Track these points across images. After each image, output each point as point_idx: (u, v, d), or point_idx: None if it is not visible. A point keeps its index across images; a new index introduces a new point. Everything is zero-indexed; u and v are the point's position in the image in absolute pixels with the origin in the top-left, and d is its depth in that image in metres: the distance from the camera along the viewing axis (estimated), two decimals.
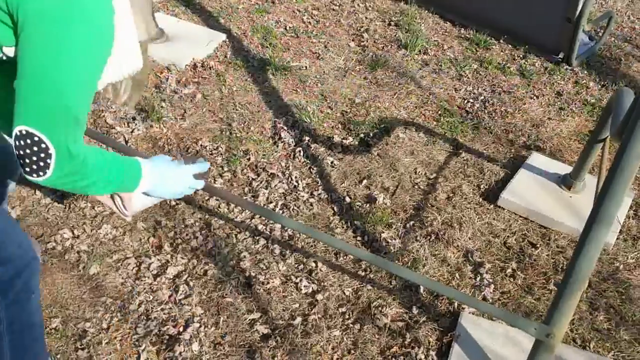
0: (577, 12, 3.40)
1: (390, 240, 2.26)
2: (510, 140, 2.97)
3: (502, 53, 3.73)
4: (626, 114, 1.71)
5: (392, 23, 3.92)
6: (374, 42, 3.69)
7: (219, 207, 2.30)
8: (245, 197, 2.35)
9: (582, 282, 1.51)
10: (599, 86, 3.52)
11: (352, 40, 3.68)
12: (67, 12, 1.04)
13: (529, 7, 3.67)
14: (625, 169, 1.43)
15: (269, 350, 1.78)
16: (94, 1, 1.07)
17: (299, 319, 1.89)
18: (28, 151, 1.08)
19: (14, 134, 1.07)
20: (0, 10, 1.06)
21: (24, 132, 1.06)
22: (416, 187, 2.57)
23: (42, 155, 1.08)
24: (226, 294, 1.94)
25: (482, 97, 3.27)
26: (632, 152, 1.42)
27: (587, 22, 3.68)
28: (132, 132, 2.63)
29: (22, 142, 1.07)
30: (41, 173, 1.10)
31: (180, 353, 1.73)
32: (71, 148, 1.10)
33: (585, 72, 3.66)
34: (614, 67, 3.79)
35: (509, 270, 2.18)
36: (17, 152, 1.08)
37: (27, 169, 1.10)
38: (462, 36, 3.89)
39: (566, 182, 2.56)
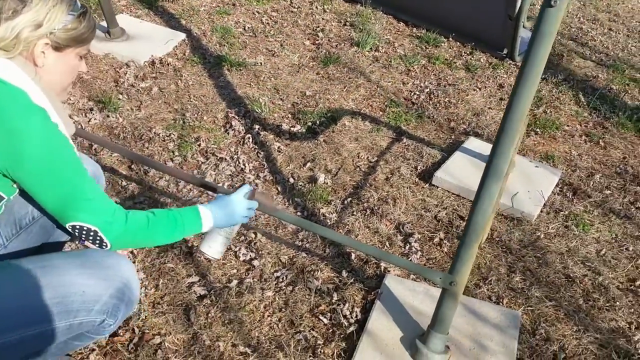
0: (517, 10, 3.61)
1: (327, 215, 2.43)
2: (451, 128, 3.15)
3: (450, 50, 3.94)
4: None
5: (348, 23, 4.12)
6: (329, 40, 3.88)
7: (169, 186, 2.46)
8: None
9: (479, 233, 1.68)
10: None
11: (308, 39, 3.87)
12: (30, 147, 1.23)
13: (475, 6, 3.89)
14: (509, 128, 1.61)
15: (204, 308, 1.93)
16: (47, 128, 1.26)
17: (234, 282, 2.04)
18: (84, 236, 1.32)
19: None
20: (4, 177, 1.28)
21: (69, 227, 1.30)
22: (357, 169, 2.75)
23: (92, 234, 1.31)
24: (168, 261, 2.09)
25: (428, 90, 3.46)
26: (514, 115, 1.60)
27: (528, 20, 3.90)
28: (89, 121, 2.79)
29: (76, 233, 1.32)
30: (104, 246, 1.34)
31: None
32: (108, 219, 1.31)
33: None
34: (556, 62, 4.01)
35: (437, 240, 2.35)
36: (83, 239, 1.34)
37: (97, 246, 1.34)
38: (414, 35, 4.09)
39: None
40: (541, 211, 2.56)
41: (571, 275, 2.23)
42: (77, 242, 1.94)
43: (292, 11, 4.21)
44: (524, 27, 3.74)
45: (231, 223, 1.59)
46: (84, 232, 1.31)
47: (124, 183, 2.45)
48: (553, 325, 2.01)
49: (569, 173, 2.86)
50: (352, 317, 1.97)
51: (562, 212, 2.56)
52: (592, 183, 2.79)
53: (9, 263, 1.33)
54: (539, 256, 2.31)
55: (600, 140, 3.15)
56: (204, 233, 1.56)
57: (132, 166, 2.55)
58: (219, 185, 1.93)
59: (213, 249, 1.64)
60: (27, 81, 1.27)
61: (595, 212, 2.60)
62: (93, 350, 1.75)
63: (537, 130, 3.18)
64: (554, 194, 2.69)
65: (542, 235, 2.42)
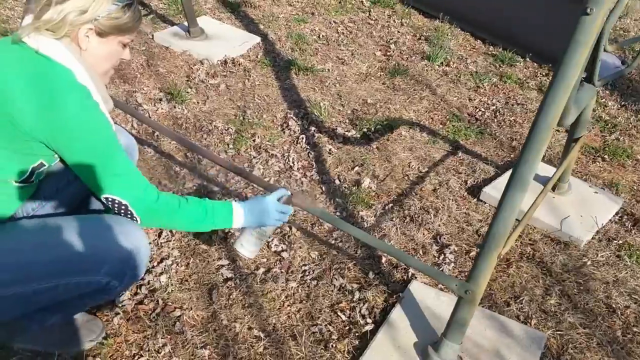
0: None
1: (365, 218, 2.44)
2: (513, 147, 3.07)
3: (525, 70, 3.84)
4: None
5: (423, 38, 4.12)
6: (400, 52, 3.90)
7: (218, 176, 2.57)
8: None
9: (499, 243, 1.64)
10: (618, 105, 3.55)
11: (379, 50, 3.91)
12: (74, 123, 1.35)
13: (555, 27, 3.76)
14: (537, 137, 1.57)
15: (227, 289, 2.01)
16: (89, 108, 1.38)
17: (261, 270, 2.10)
18: (116, 209, 1.44)
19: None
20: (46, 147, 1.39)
21: (103, 199, 1.42)
22: (406, 177, 2.74)
23: (123, 208, 1.43)
24: (202, 243, 2.19)
25: (494, 107, 3.39)
26: (542, 124, 1.56)
27: (610, 43, 3.72)
28: (156, 110, 2.97)
29: (109, 205, 1.43)
30: (135, 220, 1.46)
31: (148, 281, 1.99)
32: (139, 194, 1.43)
33: (607, 92, 3.70)
34: None
35: (473, 254, 2.30)
36: (114, 211, 1.46)
37: (128, 217, 1.46)
38: (489, 53, 4.03)
39: None
40: (593, 238, 2.43)
41: (613, 305, 2.11)
42: None
43: (369, 23, 4.27)
44: (605, 50, 3.58)
45: (262, 224, 1.67)
46: (116, 205, 1.43)
47: (177, 169, 2.60)
48: (581, 352, 1.91)
49: (633, 203, 2.70)
50: (370, 317, 1.97)
51: (615, 241, 2.42)
52: None
53: (35, 220, 1.48)
54: (581, 282, 2.20)
55: None
56: (235, 230, 1.64)
57: (188, 154, 2.69)
58: (264, 180, 1.98)
59: (245, 248, 1.72)
60: (72, 60, 1.38)
61: None
62: (117, 314, 1.87)
63: (605, 156, 3.03)
64: (612, 222, 2.55)
65: (589, 262, 2.30)
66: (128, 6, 1.44)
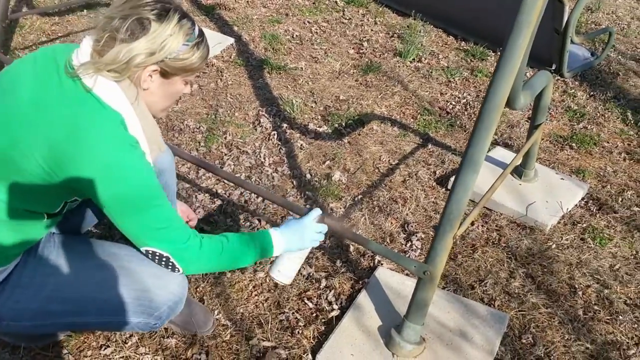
0: (564, 23, 3.53)
1: (335, 209, 2.48)
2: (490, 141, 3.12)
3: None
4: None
5: (395, 35, 4.18)
6: (373, 50, 3.95)
7: (189, 173, 2.60)
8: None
9: (453, 225, 1.68)
10: (587, 95, 3.61)
11: (353, 48, 3.96)
12: (117, 175, 1.25)
13: None
14: (486, 119, 1.61)
15: (194, 281, 2.04)
16: (130, 161, 1.26)
17: None
18: (157, 260, 1.37)
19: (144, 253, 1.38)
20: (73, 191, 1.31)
21: (144, 251, 1.36)
22: (376, 170, 2.78)
23: (165, 260, 1.37)
24: None
25: (465, 101, 3.45)
26: (491, 105, 1.60)
27: (580, 35, 3.80)
28: None
29: (150, 257, 1.37)
30: (176, 270, 1.39)
31: None
32: (180, 246, 1.35)
33: (577, 83, 3.76)
34: (609, 80, 3.87)
35: None
36: (155, 262, 1.39)
37: (169, 269, 1.40)
38: (461, 48, 4.09)
39: (518, 171, 2.69)
40: (558, 222, 2.48)
41: (575, 285, 2.15)
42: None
43: (342, 22, 4.33)
44: (572, 42, 3.65)
45: (301, 247, 1.58)
46: (157, 257, 1.36)
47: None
48: (543, 331, 1.95)
49: (599, 188, 2.75)
50: (336, 304, 2.00)
51: (580, 225, 2.47)
52: (621, 199, 2.67)
53: (93, 251, 1.47)
54: (545, 265, 2.25)
55: None
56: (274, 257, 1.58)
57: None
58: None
59: (283, 273, 1.61)
60: (126, 106, 1.27)
61: (619, 227, 2.49)
62: None
63: (573, 144, 3.09)
64: (577, 207, 2.60)
65: (554, 246, 2.35)
66: (198, 45, 1.31)
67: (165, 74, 1.31)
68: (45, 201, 1.33)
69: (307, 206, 1.98)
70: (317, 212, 1.63)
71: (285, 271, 1.61)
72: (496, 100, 1.59)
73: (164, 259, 1.36)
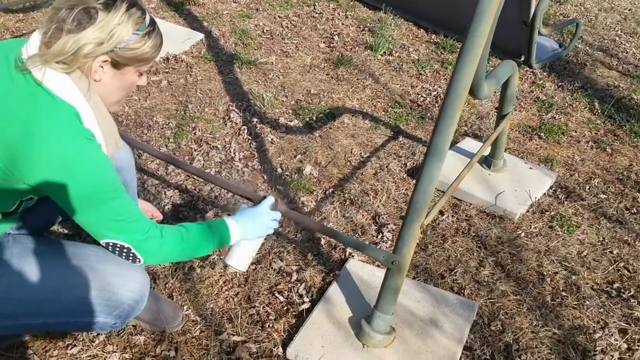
0: (531, 15, 3.57)
1: (306, 203, 2.47)
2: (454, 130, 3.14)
3: None
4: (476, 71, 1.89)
5: (367, 29, 4.18)
6: (344, 44, 3.95)
7: (158, 169, 2.57)
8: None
9: (420, 214, 1.69)
10: (555, 86, 3.66)
11: (324, 42, 3.96)
12: (70, 168, 1.22)
13: None
14: (449, 107, 1.62)
15: (164, 277, 2.02)
16: (86, 154, 1.23)
17: (198, 259, 2.11)
18: (117, 252, 1.35)
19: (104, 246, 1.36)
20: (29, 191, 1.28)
21: (104, 244, 1.33)
22: (347, 163, 2.78)
23: (125, 251, 1.35)
24: None
25: (436, 93, 3.47)
26: (454, 93, 1.61)
27: (547, 27, 3.84)
28: None
29: (110, 249, 1.35)
30: (137, 261, 1.38)
31: None
32: (140, 237, 1.33)
33: (545, 74, 3.81)
34: (577, 71, 3.92)
35: None
36: (116, 254, 1.37)
37: (130, 261, 1.38)
38: (431, 41, 4.11)
39: (487, 161, 2.71)
40: (527, 211, 2.51)
41: (544, 272, 2.18)
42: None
43: (313, 16, 4.32)
44: (540, 33, 3.69)
45: (257, 234, 1.60)
46: (117, 249, 1.34)
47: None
48: (512, 318, 1.97)
49: (567, 177, 2.79)
50: (307, 297, 2.00)
51: (548, 213, 2.50)
52: (588, 187, 2.71)
53: (49, 251, 1.43)
54: (514, 253, 2.27)
55: (608, 147, 3.06)
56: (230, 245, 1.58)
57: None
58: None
59: (238, 261, 1.62)
60: (79, 98, 1.25)
61: (586, 215, 2.52)
62: None
63: (542, 134, 3.12)
64: (546, 196, 2.63)
65: (523, 234, 2.37)
66: (149, 34, 1.28)
67: (116, 64, 1.28)
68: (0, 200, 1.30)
69: (262, 194, 1.96)
70: (270, 199, 1.64)
71: (241, 258, 1.62)
72: (459, 89, 1.59)
73: (124, 251, 1.35)
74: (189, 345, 1.79)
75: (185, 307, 1.91)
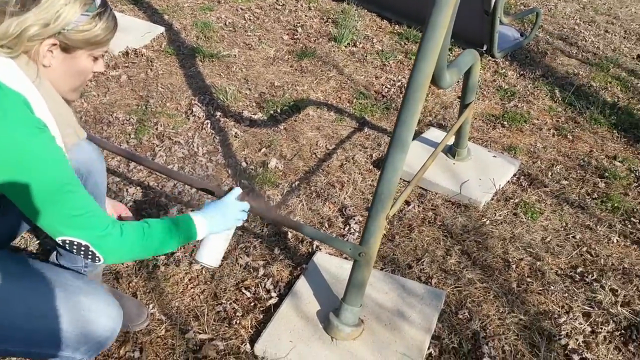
0: (492, 4, 3.59)
1: (272, 197, 2.45)
2: (418, 120, 3.14)
3: None
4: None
5: (330, 20, 4.16)
6: (307, 35, 3.92)
7: (119, 166, 2.51)
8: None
9: (385, 205, 1.68)
10: (517, 75, 3.70)
11: (287, 34, 3.92)
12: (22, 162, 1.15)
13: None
14: (412, 97, 1.61)
15: (127, 276, 1.97)
16: (38, 146, 1.16)
17: (162, 255, 2.07)
18: (75, 250, 1.26)
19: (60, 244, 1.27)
20: None
21: (60, 242, 1.24)
22: (313, 156, 2.76)
23: (83, 249, 1.25)
24: None
25: (400, 84, 3.47)
26: (416, 83, 1.60)
27: (508, 16, 3.88)
28: None
29: (67, 247, 1.25)
30: (97, 260, 1.28)
31: None
32: (99, 233, 1.25)
33: (507, 63, 3.85)
34: (538, 59, 3.97)
35: None
36: (74, 253, 1.27)
37: (88, 261, 1.30)
38: (395, 32, 4.11)
39: (451, 151, 2.73)
40: (491, 199, 2.53)
41: (509, 259, 2.20)
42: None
43: (276, 8, 4.27)
44: (501, 22, 3.73)
45: (226, 227, 1.53)
46: (75, 247, 1.25)
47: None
48: (479, 305, 1.99)
49: (530, 164, 2.83)
50: (274, 291, 1.98)
51: (512, 200, 2.53)
52: (550, 174, 2.75)
53: (17, 275, 1.34)
54: (480, 241, 2.29)
55: (569, 134, 3.11)
56: (199, 241, 1.51)
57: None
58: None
59: (209, 257, 1.56)
60: (28, 85, 1.18)
61: (549, 201, 2.56)
62: None
63: (505, 123, 3.15)
64: (510, 183, 2.66)
65: (488, 222, 2.39)
66: (100, 15, 1.21)
67: (66, 48, 1.21)
68: None
69: (225, 187, 1.89)
70: (237, 190, 1.58)
71: (211, 254, 1.56)
72: (421, 79, 1.59)
73: (82, 249, 1.27)
74: (154, 345, 1.75)
75: (150, 306, 1.87)
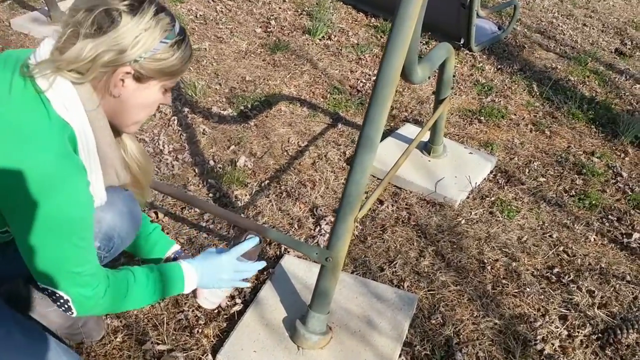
0: None
1: (240, 197, 2.35)
2: (393, 115, 3.07)
3: None
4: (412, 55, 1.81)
5: (305, 13, 4.05)
6: (281, 28, 3.81)
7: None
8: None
9: (353, 207, 1.59)
10: (495, 69, 3.63)
11: (260, 27, 3.81)
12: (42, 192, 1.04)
13: None
14: (380, 95, 1.52)
15: None
16: (69, 184, 1.06)
17: (123, 259, 1.96)
18: (53, 299, 1.16)
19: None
20: None
21: (42, 287, 1.14)
22: (285, 153, 2.66)
23: (62, 301, 1.15)
24: None
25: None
26: (383, 80, 1.51)
27: (486, 9, 3.81)
28: None
29: (46, 294, 1.15)
30: (69, 313, 1.18)
31: None
32: (86, 294, 1.15)
33: (485, 56, 3.78)
34: (516, 53, 3.91)
35: None
36: (46, 297, 1.17)
37: (58, 307, 1.18)
38: (371, 25, 4.02)
39: (427, 147, 2.65)
40: (467, 197, 2.46)
41: (485, 260, 2.13)
42: None
43: (249, 0, 4.16)
44: (478, 15, 3.65)
45: (218, 287, 1.44)
46: (55, 296, 1.15)
47: None
48: (452, 310, 1.91)
49: (507, 161, 2.76)
50: (239, 298, 1.88)
51: (488, 199, 2.46)
52: (528, 171, 2.69)
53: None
54: (454, 241, 2.21)
55: (547, 130, 3.05)
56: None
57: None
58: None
59: (206, 300, 1.51)
60: (81, 118, 1.09)
61: (526, 199, 2.50)
62: None
63: (482, 118, 3.09)
64: (486, 181, 2.59)
65: (463, 221, 2.32)
66: (178, 44, 1.13)
67: (139, 77, 1.11)
68: None
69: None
70: (249, 244, 1.46)
71: (209, 298, 1.50)
72: (389, 74, 1.50)
73: (62, 300, 1.16)
74: (108, 358, 1.65)
75: (106, 315, 1.77)
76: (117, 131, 1.24)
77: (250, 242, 1.48)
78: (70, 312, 1.19)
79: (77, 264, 1.13)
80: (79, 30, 1.04)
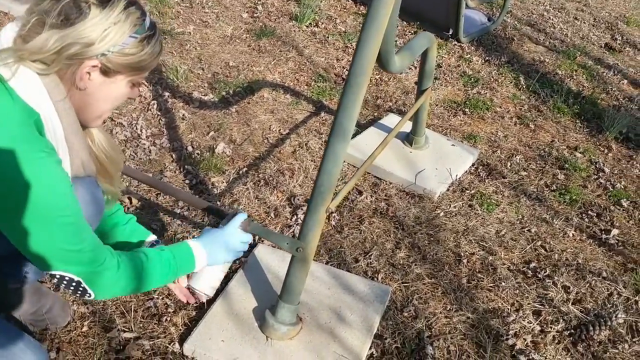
0: None
1: (217, 184, 2.31)
2: (377, 105, 3.04)
3: None
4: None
5: None
6: (268, 14, 3.76)
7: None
8: None
9: (325, 198, 1.56)
10: (482, 60, 3.60)
11: (246, 12, 3.76)
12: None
13: None
14: (354, 83, 1.49)
15: None
16: (40, 167, 1.02)
17: None
18: (64, 285, 1.13)
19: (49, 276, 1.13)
20: None
21: (49, 275, 1.11)
22: (265, 141, 2.63)
23: (74, 284, 1.12)
24: None
25: None
26: (357, 68, 1.48)
27: (475, 0, 3.77)
28: None
29: (55, 281, 1.12)
30: (87, 296, 1.16)
31: None
32: (95, 270, 1.13)
33: (473, 48, 3.75)
34: (505, 45, 3.88)
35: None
36: (62, 287, 1.15)
37: (78, 295, 1.16)
38: (359, 13, 3.97)
39: (409, 138, 2.62)
40: (447, 190, 2.44)
41: (461, 253, 2.11)
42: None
43: None
44: (468, 6, 3.62)
45: (225, 260, 1.45)
46: (65, 281, 1.12)
47: None
48: (426, 302, 1.90)
49: (489, 154, 2.74)
50: None
51: (468, 191, 2.44)
52: (510, 164, 2.67)
53: None
54: (432, 234, 2.19)
55: (531, 123, 3.03)
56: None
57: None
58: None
59: (206, 284, 1.48)
60: (48, 106, 1.06)
61: (507, 193, 2.48)
62: None
63: (466, 110, 3.06)
64: (467, 174, 2.57)
65: (442, 214, 2.30)
66: (148, 39, 1.10)
67: (107, 71, 1.09)
68: None
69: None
70: (241, 217, 1.48)
71: (209, 282, 1.48)
72: (363, 62, 1.47)
73: (73, 284, 1.13)
74: (72, 345, 1.62)
75: (72, 301, 1.74)
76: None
77: (241, 216, 1.49)
78: (88, 296, 1.16)
79: (71, 242, 1.09)
80: (45, 20, 1.01)
